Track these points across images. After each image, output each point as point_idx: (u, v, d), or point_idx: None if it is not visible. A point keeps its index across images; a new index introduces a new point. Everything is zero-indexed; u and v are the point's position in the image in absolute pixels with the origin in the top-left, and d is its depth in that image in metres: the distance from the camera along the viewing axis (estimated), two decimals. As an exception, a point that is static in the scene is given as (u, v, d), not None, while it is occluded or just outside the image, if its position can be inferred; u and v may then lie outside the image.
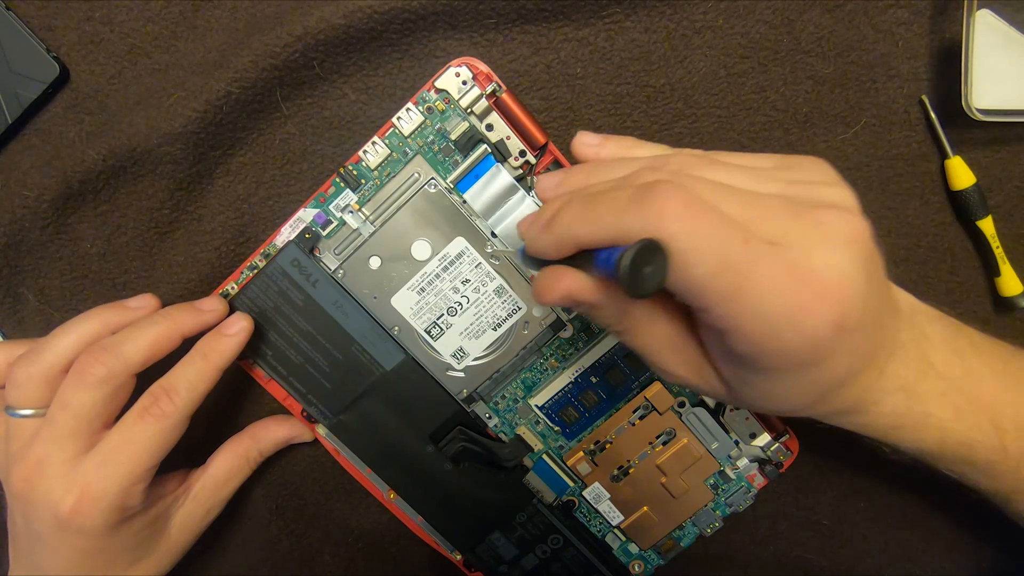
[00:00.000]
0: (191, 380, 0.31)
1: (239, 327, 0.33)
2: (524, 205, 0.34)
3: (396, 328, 0.35)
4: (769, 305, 0.21)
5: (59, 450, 0.29)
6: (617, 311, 0.25)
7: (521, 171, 0.34)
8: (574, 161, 0.35)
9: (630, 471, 0.38)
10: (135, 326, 0.31)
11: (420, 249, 0.35)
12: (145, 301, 0.33)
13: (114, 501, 0.29)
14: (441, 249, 0.34)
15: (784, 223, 0.22)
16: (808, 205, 0.22)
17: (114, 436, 0.30)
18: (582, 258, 0.24)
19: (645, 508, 0.38)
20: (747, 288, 0.21)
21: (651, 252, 0.20)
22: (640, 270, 0.20)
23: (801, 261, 0.21)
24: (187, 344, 0.32)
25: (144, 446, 0.30)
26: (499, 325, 0.36)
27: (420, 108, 0.34)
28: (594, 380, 0.37)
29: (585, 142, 0.29)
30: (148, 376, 0.31)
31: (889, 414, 0.26)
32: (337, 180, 0.34)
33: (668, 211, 0.21)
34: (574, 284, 0.24)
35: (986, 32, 0.34)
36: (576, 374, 0.36)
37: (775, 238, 0.21)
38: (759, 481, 0.38)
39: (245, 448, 0.36)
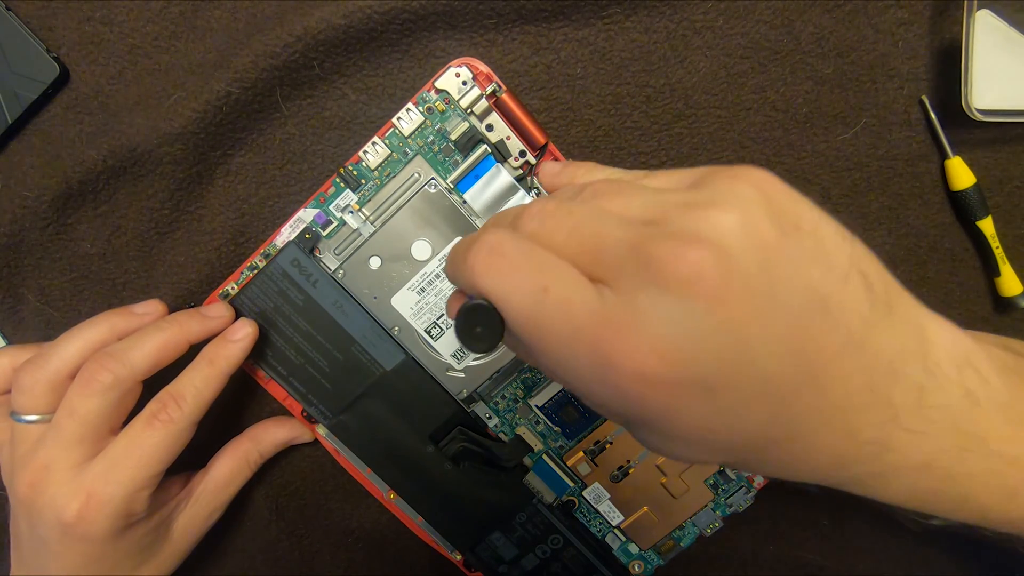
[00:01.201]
0: (198, 386, 0.31)
1: (244, 333, 0.33)
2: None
3: (396, 328, 0.35)
4: (571, 359, 0.19)
5: (65, 456, 0.29)
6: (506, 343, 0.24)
7: (521, 171, 0.34)
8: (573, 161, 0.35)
9: (630, 471, 0.38)
10: (142, 332, 0.31)
11: (420, 249, 0.35)
12: (151, 307, 0.33)
13: (120, 507, 0.30)
14: (441, 249, 0.34)
15: (619, 260, 0.19)
16: (655, 237, 0.19)
17: (121, 442, 0.30)
18: None
19: (645, 508, 0.38)
20: (546, 342, 0.19)
21: (482, 312, 0.20)
22: (470, 330, 0.21)
23: (612, 307, 0.18)
24: (193, 350, 0.32)
25: (151, 452, 0.30)
26: (499, 325, 0.36)
27: (420, 108, 0.34)
28: (594, 380, 0.37)
29: (547, 172, 0.29)
30: (153, 382, 0.31)
31: (906, 492, 0.22)
32: (337, 180, 0.34)
33: (476, 266, 0.20)
34: (452, 307, 0.25)
35: (986, 32, 0.34)
36: (576, 374, 0.36)
37: (607, 278, 0.19)
38: (759, 481, 0.38)
39: (245, 450, 0.36)
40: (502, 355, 0.36)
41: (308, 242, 0.34)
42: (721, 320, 0.18)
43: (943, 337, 0.21)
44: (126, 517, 0.30)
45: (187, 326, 0.32)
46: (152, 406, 0.31)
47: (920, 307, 0.21)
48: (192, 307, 0.36)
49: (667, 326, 0.18)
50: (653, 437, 0.20)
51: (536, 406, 0.37)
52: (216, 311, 0.33)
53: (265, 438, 0.37)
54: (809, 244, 0.19)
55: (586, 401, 0.21)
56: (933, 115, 0.36)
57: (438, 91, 0.33)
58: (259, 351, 0.35)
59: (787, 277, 0.18)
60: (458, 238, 0.34)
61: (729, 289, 0.18)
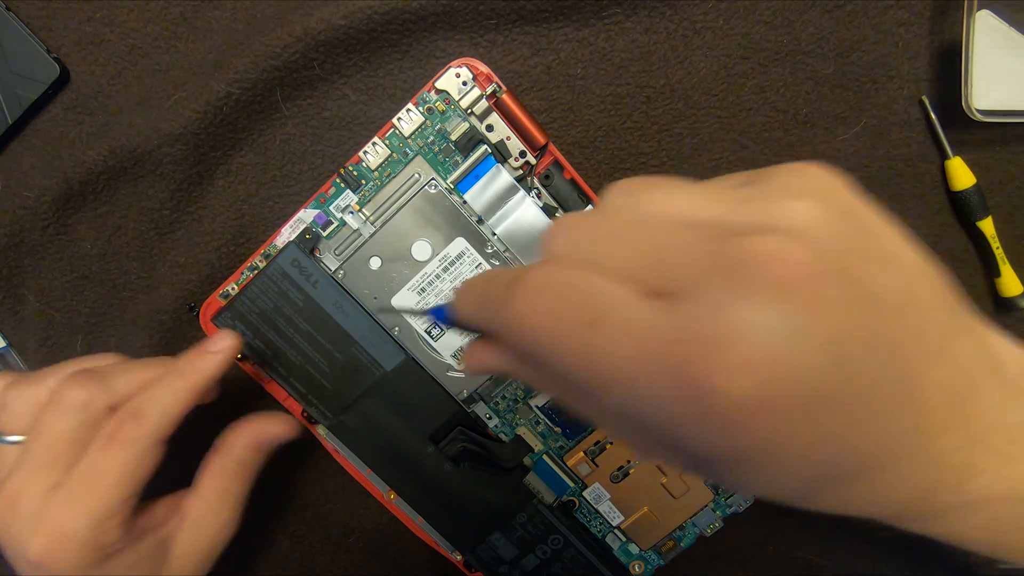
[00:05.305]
0: (163, 402, 0.28)
1: (224, 345, 0.30)
2: (524, 205, 0.34)
3: (396, 328, 0.35)
4: (643, 392, 0.16)
5: (33, 482, 0.27)
6: (538, 380, 0.20)
7: (521, 171, 0.34)
8: (573, 161, 0.35)
9: (630, 471, 0.38)
10: (134, 362, 0.30)
11: (420, 250, 0.35)
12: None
13: (87, 539, 0.26)
14: (441, 250, 0.34)
15: (692, 268, 0.16)
16: (734, 235, 0.15)
17: (80, 468, 0.27)
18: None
19: (645, 508, 0.38)
20: (607, 380, 0.16)
21: None
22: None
23: (694, 322, 0.15)
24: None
25: (112, 477, 0.27)
26: (499, 325, 0.36)
27: (420, 109, 0.34)
28: (594, 380, 0.36)
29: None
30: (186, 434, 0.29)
31: (986, 526, 0.20)
32: (337, 181, 0.34)
33: (521, 313, 0.17)
34: (486, 358, 0.22)
35: (986, 32, 0.34)
36: (576, 374, 0.36)
37: (679, 290, 0.16)
38: (759, 481, 0.38)
39: (222, 465, 0.32)
40: (502, 355, 0.36)
41: (308, 242, 0.34)
42: (824, 326, 0.15)
43: (1013, 352, 0.20)
44: (98, 549, 0.27)
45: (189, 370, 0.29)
46: (109, 425, 0.27)
47: (981, 321, 0.19)
48: (192, 306, 0.36)
49: (766, 338, 0.14)
50: (735, 474, 0.17)
51: (536, 406, 0.37)
52: (218, 345, 0.30)
53: (235, 446, 0.33)
54: (884, 243, 0.18)
55: (650, 447, 0.18)
56: (933, 115, 0.36)
57: (438, 91, 0.33)
58: (259, 352, 0.35)
59: (874, 276, 0.16)
60: (478, 271, 0.34)
61: (830, 289, 0.15)
